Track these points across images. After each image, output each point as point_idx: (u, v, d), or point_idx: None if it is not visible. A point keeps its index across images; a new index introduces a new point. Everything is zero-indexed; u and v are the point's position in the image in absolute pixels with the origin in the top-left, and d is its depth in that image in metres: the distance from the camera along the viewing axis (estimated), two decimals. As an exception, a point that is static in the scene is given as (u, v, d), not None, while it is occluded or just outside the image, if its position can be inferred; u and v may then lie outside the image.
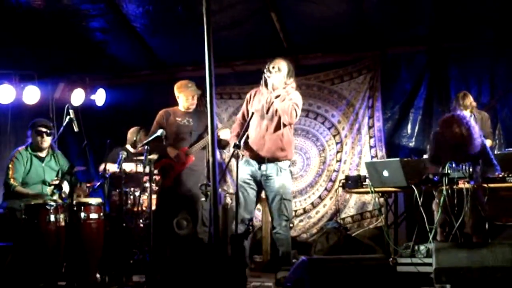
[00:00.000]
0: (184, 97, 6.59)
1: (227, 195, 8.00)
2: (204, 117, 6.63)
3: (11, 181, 6.45)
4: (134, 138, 7.70)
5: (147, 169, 6.05)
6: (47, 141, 6.69)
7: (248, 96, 6.16)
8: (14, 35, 7.44)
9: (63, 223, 5.86)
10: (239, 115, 6.23)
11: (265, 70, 5.90)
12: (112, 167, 6.69)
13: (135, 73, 8.95)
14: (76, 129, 6.91)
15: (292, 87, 5.97)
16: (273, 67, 5.87)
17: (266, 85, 5.93)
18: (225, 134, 6.47)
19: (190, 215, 6.63)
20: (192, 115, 6.63)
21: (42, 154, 6.70)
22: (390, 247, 6.07)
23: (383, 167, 5.92)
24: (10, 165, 6.58)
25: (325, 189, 8.19)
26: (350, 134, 8.12)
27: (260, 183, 5.94)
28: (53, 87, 8.25)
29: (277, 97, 5.81)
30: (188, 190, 6.44)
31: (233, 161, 5.89)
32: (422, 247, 5.81)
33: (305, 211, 8.24)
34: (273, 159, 5.85)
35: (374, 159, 7.76)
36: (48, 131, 6.68)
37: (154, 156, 6.28)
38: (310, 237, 8.01)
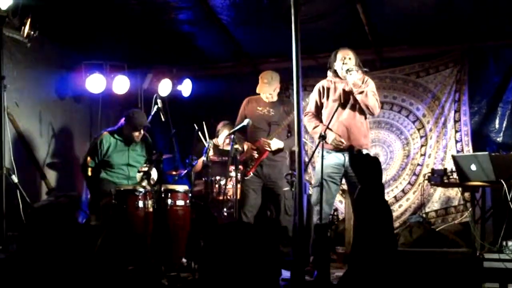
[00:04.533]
0: (263, 94, 6.65)
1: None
2: (287, 109, 6.68)
3: (89, 170, 6.77)
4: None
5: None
6: (141, 136, 6.90)
7: (319, 88, 6.08)
8: (105, 27, 7.68)
9: (151, 209, 6.06)
10: (311, 108, 6.17)
11: (340, 62, 5.89)
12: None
13: (220, 64, 9.06)
14: (163, 119, 7.12)
15: (364, 75, 5.98)
16: (347, 58, 5.88)
17: (336, 75, 5.95)
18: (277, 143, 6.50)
19: (272, 204, 6.67)
20: (275, 105, 6.64)
21: (131, 142, 6.91)
22: (476, 243, 5.97)
23: (471, 161, 5.82)
24: (91, 146, 6.92)
25: (409, 183, 8.10)
26: (435, 128, 8.00)
27: (343, 175, 5.94)
28: (141, 77, 8.51)
29: (360, 92, 5.78)
30: (271, 179, 6.50)
31: (316, 153, 5.94)
32: (510, 243, 5.69)
33: (387, 205, 8.18)
34: (358, 147, 5.86)
35: (460, 153, 7.61)
36: (146, 129, 6.90)
37: (239, 146, 6.35)
38: (393, 230, 7.95)
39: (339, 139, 5.80)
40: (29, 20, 6.50)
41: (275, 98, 6.69)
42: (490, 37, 7.78)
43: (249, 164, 6.51)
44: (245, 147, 6.53)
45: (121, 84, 8.04)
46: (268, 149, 6.45)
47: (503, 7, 7.12)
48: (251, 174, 6.51)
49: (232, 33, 8.14)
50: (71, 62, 8.13)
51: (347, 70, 5.77)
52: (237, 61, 8.93)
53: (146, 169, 6.41)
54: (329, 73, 6.04)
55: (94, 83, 7.91)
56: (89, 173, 6.78)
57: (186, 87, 8.50)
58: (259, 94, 6.72)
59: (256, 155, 6.48)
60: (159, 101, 7.17)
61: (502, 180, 5.58)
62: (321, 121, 6.03)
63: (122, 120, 6.90)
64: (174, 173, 7.32)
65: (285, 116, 6.55)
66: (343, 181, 6.01)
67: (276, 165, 6.55)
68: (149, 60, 8.52)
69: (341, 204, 7.83)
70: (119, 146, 6.86)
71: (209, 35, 8.23)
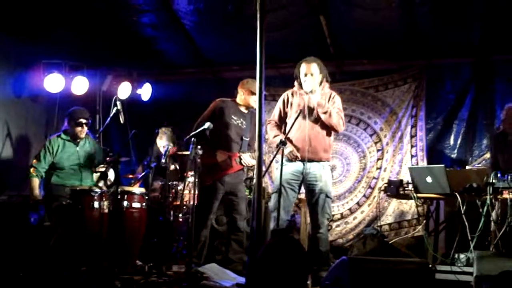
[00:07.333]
0: (247, 101, 6.39)
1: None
2: (254, 122, 6.59)
3: (31, 170, 6.65)
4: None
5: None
6: (85, 131, 6.84)
7: (284, 97, 6.08)
8: (66, 25, 7.57)
9: (106, 210, 5.99)
10: (274, 117, 6.15)
11: (304, 77, 5.87)
12: None
13: (182, 70, 9.02)
14: (122, 121, 7.04)
15: (327, 87, 5.99)
16: (309, 74, 5.85)
17: (302, 87, 5.93)
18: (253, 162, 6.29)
19: (232, 209, 6.48)
20: (247, 117, 6.43)
21: (77, 139, 6.85)
22: (429, 254, 6.05)
23: (427, 173, 5.91)
24: (38, 153, 6.79)
25: (364, 195, 8.18)
26: (391, 142, 8.12)
27: (302, 183, 5.95)
28: (101, 79, 8.37)
29: (324, 113, 5.78)
30: (233, 186, 6.37)
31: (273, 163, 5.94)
32: (462, 256, 5.80)
33: (342, 216, 8.24)
34: (316, 160, 5.87)
35: (416, 165, 7.75)
36: (87, 122, 6.83)
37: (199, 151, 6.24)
38: (346, 242, 8.01)
39: (295, 154, 5.82)
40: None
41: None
42: (447, 55, 7.96)
43: (212, 173, 6.39)
44: (220, 156, 6.30)
45: (80, 85, 7.91)
46: (246, 165, 6.37)
47: (460, 27, 7.29)
48: (212, 181, 6.37)
49: (194, 39, 8.12)
50: (30, 60, 7.96)
51: (310, 91, 5.78)
52: (198, 67, 8.91)
53: (103, 169, 6.35)
54: (296, 83, 6.03)
55: (53, 82, 7.76)
56: (32, 172, 6.65)
57: (145, 91, 8.44)
58: (232, 99, 6.55)
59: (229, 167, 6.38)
60: (118, 103, 7.09)
61: (456, 193, 5.68)
62: (282, 131, 6.01)
63: (65, 121, 6.86)
64: (130, 176, 7.26)
65: (253, 130, 6.37)
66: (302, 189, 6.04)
67: (237, 174, 6.45)
68: (109, 62, 8.41)
69: (296, 214, 7.83)
70: (67, 146, 6.78)
71: (172, 40, 8.20)
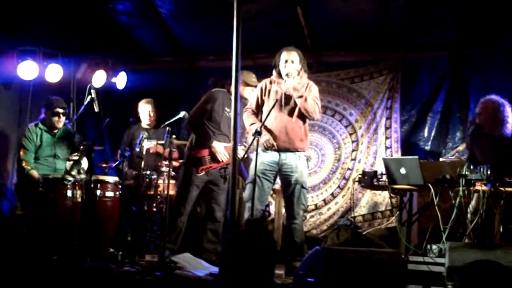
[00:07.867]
0: (242, 92, 6.34)
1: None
2: None
3: (23, 164, 6.57)
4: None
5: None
6: (62, 121, 6.79)
7: (262, 85, 6.07)
8: (40, 12, 7.47)
9: (79, 199, 5.97)
10: (251, 105, 6.13)
11: (283, 64, 5.88)
12: None
13: (157, 58, 8.95)
14: (96, 109, 6.99)
15: (306, 77, 6.00)
16: (289, 61, 5.87)
17: (280, 76, 5.93)
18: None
19: (212, 199, 6.49)
20: (240, 109, 6.34)
21: (54, 129, 6.80)
22: (401, 246, 6.08)
23: (401, 164, 5.93)
24: (21, 143, 6.72)
25: (338, 186, 8.21)
26: (366, 134, 8.15)
27: (277, 174, 5.95)
28: (75, 66, 8.29)
29: (299, 97, 5.80)
30: (216, 177, 6.40)
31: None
32: (434, 247, 5.83)
33: (316, 207, 8.26)
34: (292, 149, 5.87)
35: (391, 157, 7.80)
36: (65, 112, 6.79)
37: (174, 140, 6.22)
38: (320, 233, 8.03)
39: (272, 142, 5.82)
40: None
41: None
42: (423, 48, 8.00)
43: (205, 162, 6.39)
44: (219, 146, 6.34)
45: (54, 72, 7.80)
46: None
47: (436, 20, 7.34)
48: (203, 172, 6.41)
49: (171, 28, 8.08)
50: (3, 47, 7.82)
51: (287, 74, 5.79)
52: (174, 56, 8.85)
53: (76, 158, 6.30)
54: (274, 72, 6.02)
55: (26, 70, 7.65)
56: (25, 166, 6.58)
57: (121, 80, 8.33)
58: (224, 89, 6.55)
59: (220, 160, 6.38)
60: (93, 91, 7.02)
61: (429, 185, 5.71)
62: (259, 119, 6.01)
63: (42, 110, 6.81)
64: (104, 165, 7.21)
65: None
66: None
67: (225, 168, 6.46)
68: (84, 50, 8.31)
69: (270, 205, 7.83)
70: (45, 136, 6.77)
71: (148, 28, 8.15)
